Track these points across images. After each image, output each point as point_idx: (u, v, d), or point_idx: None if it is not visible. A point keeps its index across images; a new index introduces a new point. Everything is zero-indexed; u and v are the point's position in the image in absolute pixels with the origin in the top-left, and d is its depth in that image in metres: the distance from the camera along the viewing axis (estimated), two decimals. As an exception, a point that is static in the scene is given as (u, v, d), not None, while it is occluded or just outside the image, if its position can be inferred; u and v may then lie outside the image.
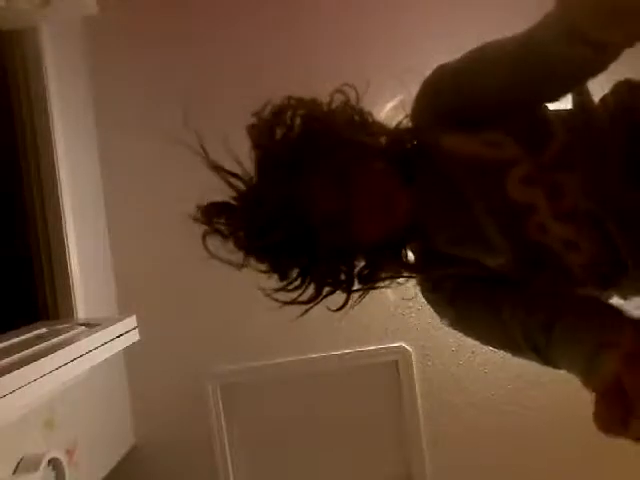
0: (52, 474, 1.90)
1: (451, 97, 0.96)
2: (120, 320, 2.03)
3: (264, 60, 2.67)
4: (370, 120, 1.04)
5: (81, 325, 2.04)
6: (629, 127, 0.90)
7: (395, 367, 2.72)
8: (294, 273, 1.02)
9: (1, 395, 1.39)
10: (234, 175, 1.06)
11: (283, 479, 2.77)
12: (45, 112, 2.21)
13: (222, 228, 1.04)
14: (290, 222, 0.96)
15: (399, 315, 2.65)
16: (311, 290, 1.03)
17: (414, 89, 1.04)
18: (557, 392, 2.71)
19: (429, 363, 2.73)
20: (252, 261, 1.03)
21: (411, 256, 1.08)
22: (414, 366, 2.72)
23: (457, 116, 0.95)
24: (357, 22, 2.68)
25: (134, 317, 2.08)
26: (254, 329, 2.64)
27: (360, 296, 1.06)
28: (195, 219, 1.07)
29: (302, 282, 1.02)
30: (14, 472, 1.77)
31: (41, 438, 1.93)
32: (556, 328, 0.86)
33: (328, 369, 2.70)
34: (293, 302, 1.02)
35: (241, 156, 1.06)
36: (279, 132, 1.01)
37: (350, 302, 1.04)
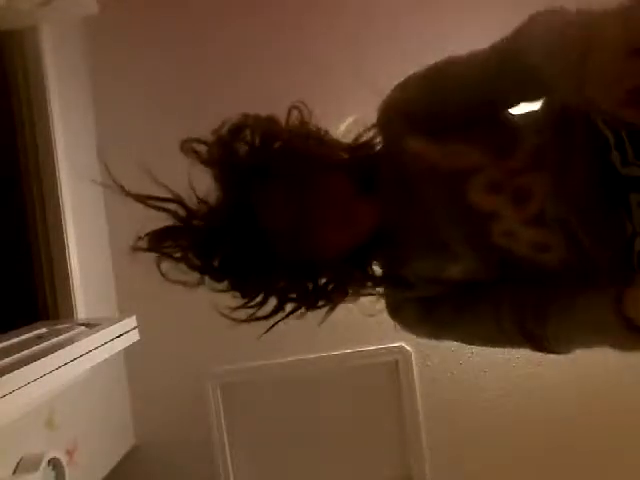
0: (52, 474, 1.90)
1: (419, 105, 0.97)
2: (120, 320, 2.03)
3: (264, 60, 2.67)
4: (325, 135, 1.04)
5: (81, 325, 2.03)
6: (591, 126, 0.89)
7: (395, 367, 2.72)
8: (254, 290, 1.02)
9: (1, 395, 1.39)
10: (169, 200, 1.10)
11: (283, 479, 2.77)
12: (45, 112, 2.21)
13: (172, 251, 1.07)
14: (244, 235, 0.96)
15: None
16: (272, 306, 1.03)
17: (375, 104, 1.04)
18: (557, 392, 2.71)
19: (429, 363, 2.73)
20: (208, 281, 1.05)
21: (377, 271, 1.06)
22: (414, 366, 2.72)
23: (424, 125, 0.95)
24: (357, 24, 2.68)
25: (134, 317, 2.08)
26: (254, 329, 2.63)
27: (327, 311, 1.04)
28: (138, 249, 1.10)
29: (264, 298, 1.02)
30: (14, 472, 1.77)
31: (41, 438, 1.93)
32: (551, 309, 0.87)
33: (328, 369, 2.70)
34: (253, 319, 1.05)
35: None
36: (238, 148, 1.00)
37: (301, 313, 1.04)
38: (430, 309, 1.00)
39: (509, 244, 0.92)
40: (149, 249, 1.06)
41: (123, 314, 2.19)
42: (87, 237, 2.43)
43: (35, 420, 1.91)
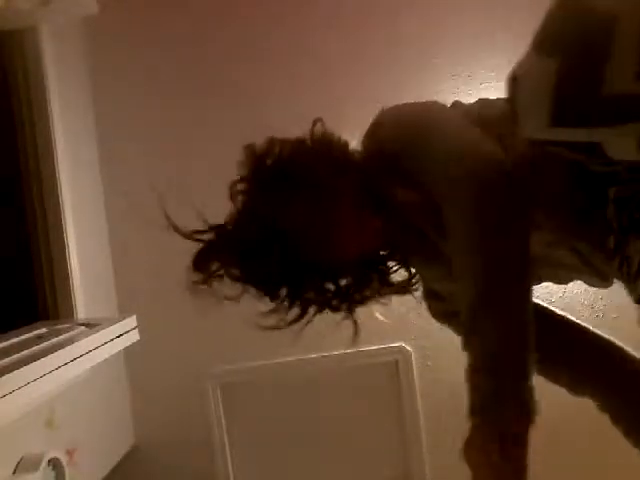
0: (52, 474, 1.90)
1: (403, 154, 1.00)
2: (120, 320, 2.03)
3: (264, 59, 2.67)
4: (344, 151, 1.09)
5: (81, 325, 2.03)
6: None
7: (395, 367, 2.72)
8: (283, 294, 1.07)
9: (1, 395, 1.39)
10: (205, 231, 1.18)
11: (283, 479, 2.77)
12: (45, 112, 2.21)
13: (217, 271, 1.11)
14: (270, 240, 1.02)
15: (399, 315, 2.64)
16: (297, 310, 1.08)
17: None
18: (557, 392, 2.71)
19: (429, 363, 2.73)
20: (250, 289, 1.10)
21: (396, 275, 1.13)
22: (414, 366, 2.72)
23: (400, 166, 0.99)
24: (356, 26, 2.68)
25: (134, 317, 2.08)
26: (254, 329, 2.64)
27: (346, 313, 1.11)
28: (197, 283, 1.14)
29: (291, 303, 1.07)
30: (14, 472, 1.77)
31: (41, 438, 1.93)
32: None
33: (328, 369, 2.70)
34: (283, 325, 1.09)
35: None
36: (269, 162, 1.08)
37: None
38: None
39: None
40: (205, 278, 1.14)
41: (123, 314, 2.19)
42: (87, 237, 2.43)
43: (35, 420, 1.91)
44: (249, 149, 1.11)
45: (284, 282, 1.06)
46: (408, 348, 2.70)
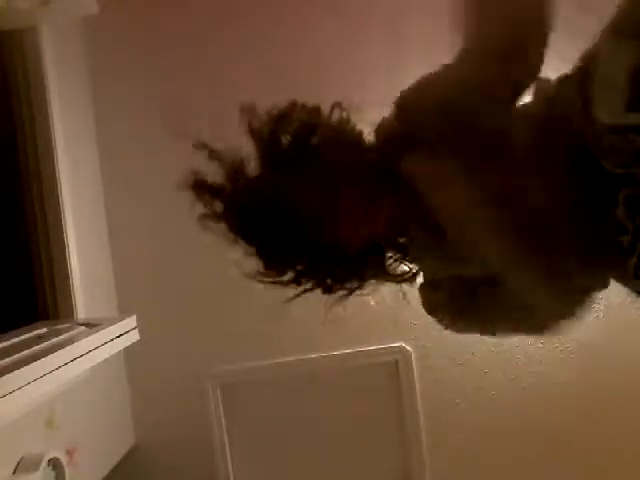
0: (52, 474, 1.90)
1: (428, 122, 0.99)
2: (120, 320, 2.03)
3: (264, 60, 2.67)
4: (359, 136, 1.09)
5: (81, 325, 2.03)
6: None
7: (395, 367, 2.72)
8: (278, 263, 1.06)
9: (1, 395, 1.39)
10: (222, 159, 1.14)
11: (283, 479, 2.77)
12: (45, 112, 2.21)
13: (215, 206, 1.10)
14: (276, 212, 1.02)
15: (399, 315, 2.64)
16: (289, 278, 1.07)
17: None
18: (557, 392, 2.71)
19: (429, 363, 2.73)
20: (240, 242, 1.08)
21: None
22: (414, 366, 2.72)
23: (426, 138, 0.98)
24: (356, 26, 2.68)
25: (134, 317, 2.08)
26: (254, 329, 2.65)
27: (342, 297, 1.09)
28: (187, 188, 1.14)
29: (283, 272, 1.06)
30: (14, 472, 1.77)
31: (41, 438, 1.93)
32: None
33: (328, 369, 2.70)
34: (270, 283, 1.07)
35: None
36: (282, 133, 1.07)
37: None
38: (462, 304, 1.05)
39: None
40: (194, 188, 1.15)
41: (123, 314, 2.19)
42: (87, 237, 2.43)
43: (35, 420, 1.91)
44: (270, 115, 1.10)
45: (283, 255, 1.06)
46: (408, 348, 2.71)
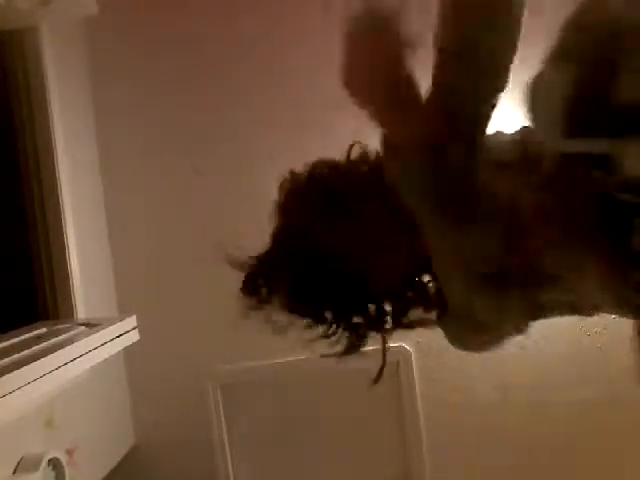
0: (52, 474, 1.90)
1: None
2: (120, 320, 2.03)
3: (264, 60, 2.67)
4: (378, 172, 1.09)
5: (81, 325, 2.03)
6: None
7: (395, 367, 2.72)
8: (330, 319, 1.09)
9: (1, 395, 1.39)
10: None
11: (283, 478, 2.77)
12: (45, 112, 2.21)
13: (263, 295, 1.12)
14: (314, 262, 1.05)
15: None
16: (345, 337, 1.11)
17: None
18: (558, 392, 2.71)
19: (429, 363, 2.73)
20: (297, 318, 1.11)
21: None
22: (414, 366, 2.72)
23: None
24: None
25: (134, 317, 2.08)
26: (254, 329, 2.64)
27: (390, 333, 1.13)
28: (248, 307, 1.15)
29: (336, 328, 1.10)
30: (14, 472, 1.77)
31: (41, 438, 1.93)
32: None
33: (328, 369, 2.69)
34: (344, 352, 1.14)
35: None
36: (312, 187, 1.08)
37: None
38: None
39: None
40: (256, 304, 1.15)
41: (123, 314, 2.19)
42: (87, 237, 2.43)
43: (35, 420, 1.91)
44: (292, 175, 1.11)
45: (330, 306, 1.08)
46: (408, 348, 2.70)
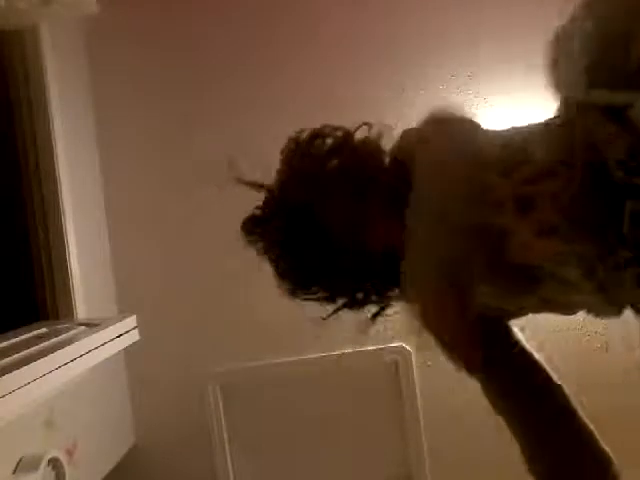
0: (52, 474, 1.90)
1: None
2: (120, 320, 2.03)
3: (264, 59, 2.67)
4: (382, 155, 1.13)
5: (81, 325, 2.03)
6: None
7: (395, 367, 2.72)
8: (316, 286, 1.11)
9: (1, 395, 1.39)
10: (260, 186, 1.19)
11: (283, 478, 2.77)
12: (45, 112, 2.21)
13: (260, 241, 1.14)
14: (308, 231, 1.07)
15: (399, 315, 2.64)
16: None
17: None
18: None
19: (429, 363, 2.73)
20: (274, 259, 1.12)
21: None
22: (414, 366, 2.72)
23: None
24: (355, 26, 2.68)
25: (134, 317, 2.08)
26: (254, 329, 2.64)
27: (379, 310, 1.18)
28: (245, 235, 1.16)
29: (325, 292, 1.11)
30: (14, 472, 1.77)
31: (41, 438, 1.93)
32: None
33: (328, 369, 2.70)
34: (304, 298, 1.12)
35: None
36: (310, 156, 1.14)
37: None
38: None
39: (526, 259, 0.92)
40: (248, 235, 1.17)
41: (123, 314, 2.19)
42: (87, 237, 2.43)
43: (35, 420, 1.91)
44: (298, 136, 1.18)
45: (319, 272, 1.10)
46: (408, 348, 2.70)
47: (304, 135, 1.17)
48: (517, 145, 0.96)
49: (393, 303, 1.18)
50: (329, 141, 1.13)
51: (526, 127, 0.98)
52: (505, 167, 0.93)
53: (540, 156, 0.91)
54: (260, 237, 1.13)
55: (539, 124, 0.96)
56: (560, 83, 0.84)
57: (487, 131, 1.04)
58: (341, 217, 1.06)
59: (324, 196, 1.08)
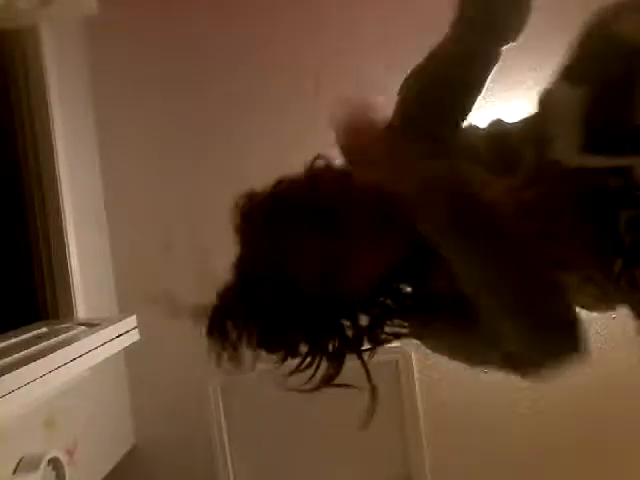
0: (52, 474, 1.90)
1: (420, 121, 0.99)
2: (120, 320, 2.03)
3: (264, 59, 2.67)
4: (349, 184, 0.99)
5: (81, 325, 2.04)
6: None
7: (395, 367, 2.72)
8: (301, 350, 1.03)
9: (1, 395, 1.39)
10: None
11: (283, 479, 2.77)
12: (45, 112, 2.21)
13: (233, 336, 1.05)
14: (280, 290, 0.96)
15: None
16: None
17: None
18: (557, 392, 2.71)
19: (429, 363, 2.73)
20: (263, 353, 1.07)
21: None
22: (414, 366, 2.72)
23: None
24: (355, 26, 2.68)
25: (134, 317, 2.08)
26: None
27: (370, 354, 1.08)
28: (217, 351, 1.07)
29: (313, 356, 1.04)
30: (14, 472, 1.77)
31: (41, 438, 1.93)
32: None
33: (328, 369, 2.69)
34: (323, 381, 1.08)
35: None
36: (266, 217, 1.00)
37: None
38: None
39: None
40: (226, 347, 1.07)
41: (123, 314, 2.19)
42: (87, 237, 2.43)
43: (35, 420, 1.91)
44: (250, 195, 1.04)
45: (304, 334, 1.02)
46: (408, 348, 2.70)
47: (249, 201, 1.03)
48: (505, 142, 0.94)
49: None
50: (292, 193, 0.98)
51: (516, 123, 0.96)
52: (495, 165, 0.92)
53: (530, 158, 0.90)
54: (235, 326, 1.03)
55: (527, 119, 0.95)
56: (551, 149, 0.82)
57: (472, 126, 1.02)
58: (318, 265, 0.94)
59: (294, 255, 0.95)
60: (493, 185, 0.91)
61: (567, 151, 0.81)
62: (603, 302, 0.94)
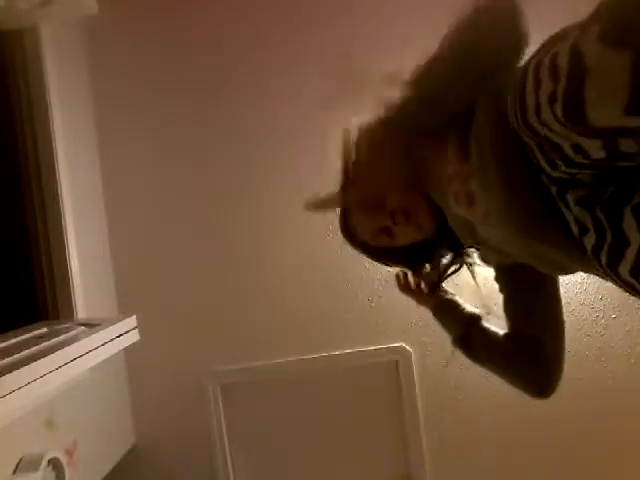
0: (52, 474, 1.90)
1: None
2: (120, 320, 2.03)
3: (264, 59, 2.67)
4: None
5: (81, 325, 2.03)
6: None
7: (395, 367, 2.72)
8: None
9: (1, 395, 1.39)
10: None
11: (283, 479, 2.77)
12: (45, 112, 2.21)
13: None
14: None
15: (399, 315, 2.65)
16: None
17: None
18: (558, 393, 2.71)
19: (429, 363, 2.73)
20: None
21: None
22: (414, 366, 2.72)
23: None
24: (355, 26, 2.68)
25: (134, 317, 2.08)
26: (254, 329, 2.65)
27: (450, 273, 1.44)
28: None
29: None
30: (14, 472, 1.77)
31: (41, 438, 1.93)
32: None
33: (328, 369, 2.70)
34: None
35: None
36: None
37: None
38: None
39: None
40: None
41: (123, 314, 2.19)
42: (87, 237, 2.43)
43: (35, 420, 1.91)
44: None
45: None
46: (408, 348, 2.71)
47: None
48: None
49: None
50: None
51: None
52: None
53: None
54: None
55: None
56: (591, 112, 0.82)
57: None
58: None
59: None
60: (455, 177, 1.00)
61: (610, 113, 0.82)
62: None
